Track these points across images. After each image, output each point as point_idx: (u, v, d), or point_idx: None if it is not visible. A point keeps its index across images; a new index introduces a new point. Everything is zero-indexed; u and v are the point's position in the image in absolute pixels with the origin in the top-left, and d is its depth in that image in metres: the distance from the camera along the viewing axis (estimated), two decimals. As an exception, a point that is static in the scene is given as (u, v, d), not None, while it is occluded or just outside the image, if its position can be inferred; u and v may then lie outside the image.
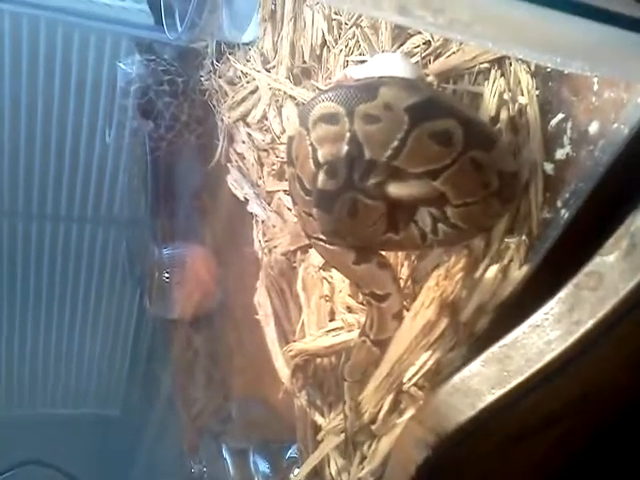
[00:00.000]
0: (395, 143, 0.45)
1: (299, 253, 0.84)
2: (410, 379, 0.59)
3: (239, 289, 1.05)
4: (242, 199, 1.02)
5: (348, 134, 0.46)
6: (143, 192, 1.39)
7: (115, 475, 1.86)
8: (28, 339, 1.92)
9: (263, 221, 0.96)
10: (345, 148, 0.47)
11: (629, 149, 0.43)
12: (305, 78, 0.89)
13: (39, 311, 1.90)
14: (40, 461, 1.63)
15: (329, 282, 0.75)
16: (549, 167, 0.49)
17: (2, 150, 1.67)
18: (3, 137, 1.65)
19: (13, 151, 1.68)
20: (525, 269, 0.50)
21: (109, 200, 1.80)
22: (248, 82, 1.06)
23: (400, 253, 0.62)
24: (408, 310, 0.59)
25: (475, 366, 0.42)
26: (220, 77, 1.16)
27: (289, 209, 0.89)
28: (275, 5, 0.98)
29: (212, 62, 1.20)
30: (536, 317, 0.40)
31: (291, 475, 0.78)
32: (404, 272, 0.62)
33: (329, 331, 0.72)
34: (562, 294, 0.39)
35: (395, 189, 0.49)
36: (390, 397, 0.61)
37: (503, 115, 0.54)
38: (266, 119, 0.98)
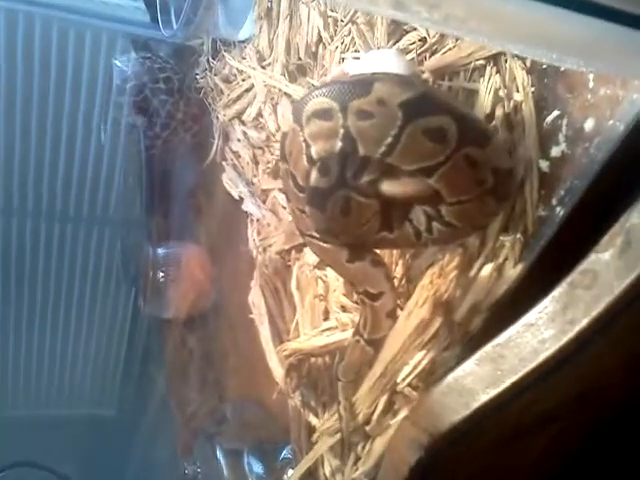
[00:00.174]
0: (389, 139, 0.44)
1: (294, 252, 0.84)
2: (404, 379, 0.58)
3: (234, 288, 1.04)
4: (237, 198, 1.02)
5: (342, 130, 0.45)
6: (138, 190, 1.38)
7: (109, 476, 1.85)
8: (22, 339, 1.91)
9: (258, 220, 0.95)
10: (339, 144, 0.46)
11: (625, 146, 0.42)
12: (301, 75, 0.89)
13: (33, 311, 1.89)
14: (33, 462, 1.62)
15: (323, 281, 0.74)
16: (544, 164, 0.49)
17: (-4, 148, 1.66)
18: (-3, 134, 1.65)
19: (8, 149, 1.67)
20: (520, 267, 0.49)
21: (104, 199, 1.79)
22: (244, 80, 1.05)
23: (394, 251, 0.62)
24: (402, 309, 0.59)
25: (469, 365, 0.42)
26: (216, 75, 1.16)
27: (284, 207, 0.88)
28: (271, 2, 0.97)
29: (208, 60, 1.20)
30: (530, 316, 0.40)
31: (285, 476, 0.77)
32: (398, 271, 0.61)
33: (323, 330, 0.71)
34: (556, 293, 0.39)
35: (389, 187, 0.48)
36: (384, 397, 0.60)
37: (498, 112, 0.53)
38: (261, 117, 0.98)
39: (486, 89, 0.55)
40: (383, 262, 0.55)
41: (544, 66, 0.50)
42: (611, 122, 0.43)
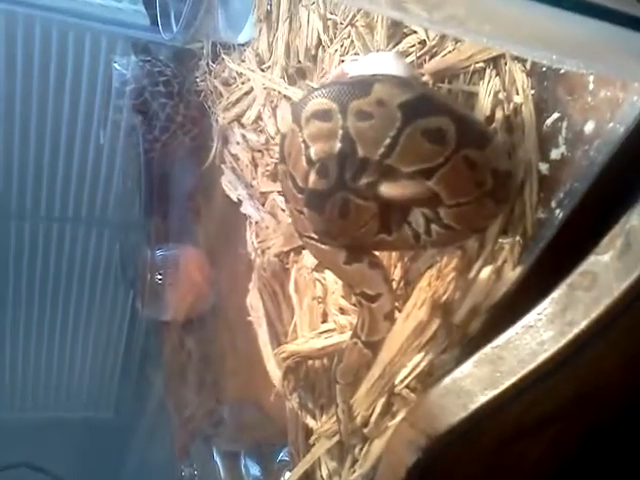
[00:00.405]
0: (388, 140, 0.44)
1: (292, 254, 0.83)
2: (402, 381, 0.58)
3: (232, 290, 1.04)
4: (236, 200, 1.02)
5: (341, 131, 0.45)
6: (137, 193, 1.38)
7: (106, 478, 1.85)
8: (20, 341, 1.91)
9: (257, 222, 0.95)
10: (338, 145, 0.46)
11: (625, 148, 0.42)
12: (300, 78, 0.89)
13: (31, 312, 1.88)
14: (30, 464, 1.62)
15: (322, 284, 0.74)
16: (544, 167, 0.49)
17: (-4, 150, 1.66)
18: (-3, 137, 1.64)
19: (7, 151, 1.67)
20: (519, 270, 0.49)
21: (103, 201, 1.79)
22: (243, 83, 1.05)
23: (393, 254, 0.62)
24: (400, 311, 0.58)
25: (467, 367, 0.42)
26: (215, 78, 1.16)
27: (283, 210, 0.88)
28: (271, 5, 0.97)
29: (207, 63, 1.20)
30: (529, 318, 0.40)
31: (282, 478, 0.77)
32: (397, 273, 0.61)
33: (321, 333, 0.71)
34: (556, 294, 0.39)
35: (387, 189, 0.48)
36: (382, 400, 0.60)
37: (498, 114, 0.53)
38: (261, 120, 0.98)
39: (486, 91, 0.55)
40: (381, 264, 0.54)
41: (544, 68, 0.50)
42: (611, 124, 0.43)
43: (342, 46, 0.77)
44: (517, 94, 0.52)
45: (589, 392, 0.43)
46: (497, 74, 0.54)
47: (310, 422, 0.72)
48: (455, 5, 0.40)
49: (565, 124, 0.47)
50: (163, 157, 1.32)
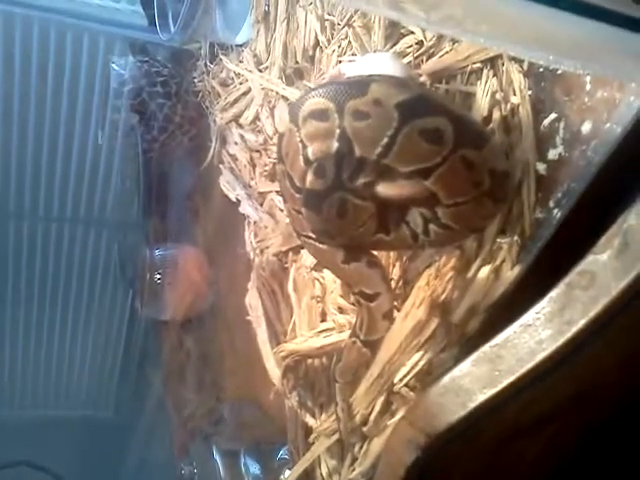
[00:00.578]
0: (385, 140, 0.44)
1: (291, 254, 0.84)
2: (401, 380, 0.58)
3: (231, 290, 1.04)
4: (234, 200, 1.02)
5: (338, 130, 0.46)
6: (135, 193, 1.38)
7: (105, 477, 1.85)
8: (19, 340, 1.91)
9: (255, 222, 0.95)
10: (335, 145, 0.46)
11: (622, 149, 0.42)
12: (298, 79, 0.89)
13: (31, 312, 1.88)
14: (30, 462, 1.62)
15: (321, 283, 0.74)
16: (541, 167, 0.49)
17: (-5, 150, 1.66)
18: (-5, 137, 1.64)
19: (5, 151, 1.66)
20: (517, 269, 0.49)
21: (101, 201, 1.79)
22: (241, 83, 1.05)
23: (391, 253, 0.62)
24: (399, 310, 0.59)
25: (466, 366, 0.42)
26: (213, 78, 1.16)
27: (281, 210, 0.88)
28: (268, 6, 0.97)
29: (205, 63, 1.20)
30: (528, 316, 0.40)
31: (282, 477, 0.77)
32: (395, 272, 0.61)
33: (320, 332, 0.71)
34: (554, 293, 0.39)
35: (385, 189, 0.48)
36: (381, 398, 0.60)
37: (495, 115, 0.53)
38: (259, 120, 0.98)
39: (483, 92, 0.55)
40: (379, 263, 0.55)
41: (541, 69, 0.50)
42: (608, 125, 0.43)
43: (339, 47, 0.77)
44: (514, 94, 0.52)
45: (587, 391, 0.43)
46: (494, 74, 0.55)
47: (309, 421, 0.72)
48: (452, 5, 0.40)
49: (562, 124, 0.47)
50: (161, 157, 1.32)
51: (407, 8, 0.41)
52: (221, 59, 1.13)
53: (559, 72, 0.48)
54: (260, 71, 0.98)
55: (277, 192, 0.90)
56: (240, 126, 1.04)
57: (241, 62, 1.05)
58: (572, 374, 0.40)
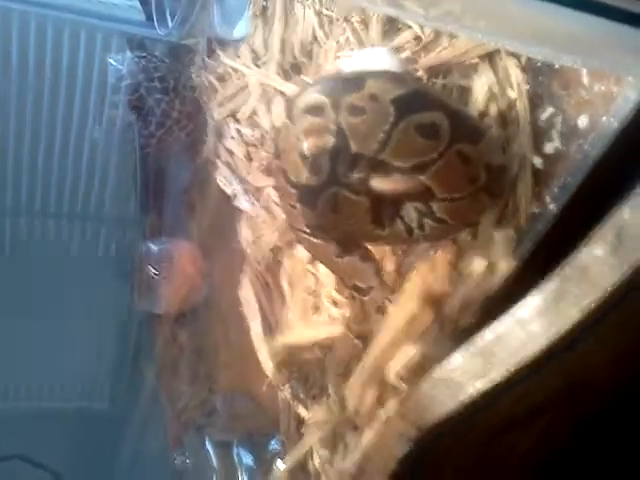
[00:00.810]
0: (381, 135, 0.44)
1: (286, 248, 0.83)
2: (394, 372, 0.58)
3: (225, 284, 1.04)
4: (230, 195, 1.02)
5: (333, 126, 0.46)
6: (132, 188, 1.38)
7: (100, 468, 1.84)
8: (15, 332, 1.90)
9: (251, 217, 0.95)
10: (331, 140, 0.46)
11: (619, 143, 0.42)
12: (295, 74, 0.89)
13: (27, 305, 1.87)
14: (24, 455, 1.61)
15: (315, 276, 0.74)
16: (538, 161, 0.49)
17: (-9, 146, 1.65)
18: (-8, 133, 1.64)
19: (1, 146, 1.66)
20: (512, 263, 0.49)
21: (99, 196, 1.78)
22: (238, 78, 1.05)
23: (386, 247, 0.62)
24: (393, 304, 0.58)
25: (457, 358, 0.42)
26: (210, 73, 1.16)
27: (277, 205, 0.88)
28: (266, 1, 0.97)
29: (203, 58, 1.20)
30: (520, 309, 0.40)
31: (274, 467, 0.77)
32: (389, 266, 0.61)
33: (314, 325, 0.71)
34: (546, 286, 0.39)
35: (379, 183, 0.48)
36: (374, 390, 0.60)
37: (492, 109, 0.53)
38: (256, 115, 0.98)
39: (480, 86, 0.55)
40: (373, 257, 0.55)
41: (539, 64, 0.50)
42: (605, 119, 0.43)
43: (337, 42, 0.77)
44: (512, 89, 0.52)
45: (579, 384, 0.43)
46: (492, 69, 0.55)
47: (302, 412, 0.72)
48: (451, 1, 0.40)
49: (559, 118, 0.47)
50: (158, 153, 1.32)
51: (406, 5, 0.41)
52: (219, 54, 1.13)
53: (556, 67, 0.48)
54: (257, 66, 0.98)
55: (273, 187, 0.89)
56: (237, 121, 1.04)
57: (238, 57, 1.05)
58: (563, 368, 0.40)
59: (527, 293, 0.41)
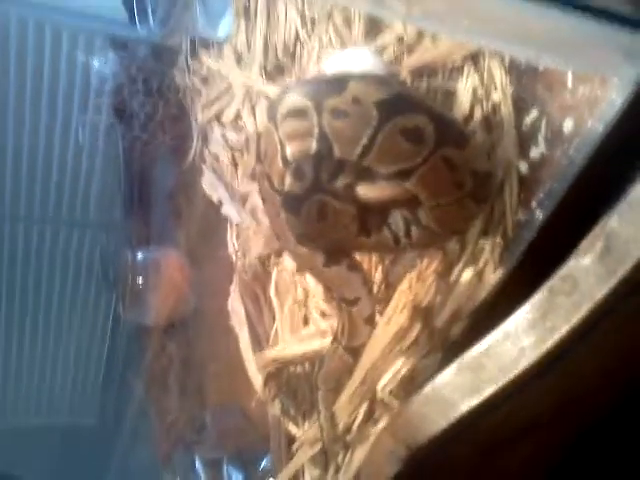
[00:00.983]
0: (364, 140, 0.43)
1: (273, 256, 0.82)
2: (384, 387, 0.57)
3: (213, 293, 1.03)
4: (216, 201, 1.00)
5: (317, 130, 0.44)
6: (117, 193, 1.36)
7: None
8: (0, 346, 1.88)
9: (237, 224, 0.93)
10: (314, 145, 0.45)
11: (604, 147, 0.41)
12: (279, 75, 0.87)
13: (11, 316, 1.85)
14: (10, 473, 1.59)
15: (303, 287, 0.73)
16: (524, 166, 0.48)
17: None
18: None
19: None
20: (500, 272, 0.48)
21: (83, 201, 1.76)
22: (222, 80, 1.03)
23: (373, 256, 0.61)
24: (381, 315, 0.57)
25: (448, 375, 0.41)
26: (194, 75, 1.14)
27: (263, 211, 0.87)
28: (248, 1, 0.95)
29: (186, 59, 1.18)
30: (509, 323, 0.39)
31: (265, 485, 0.76)
32: (377, 276, 0.60)
33: (302, 337, 0.70)
34: (536, 299, 0.38)
35: (365, 191, 0.47)
36: (364, 406, 0.59)
37: (477, 113, 0.52)
38: (240, 118, 0.96)
39: (465, 89, 0.53)
40: (360, 267, 0.53)
41: (522, 66, 0.49)
42: (590, 123, 0.42)
43: (320, 42, 0.75)
44: (496, 91, 0.51)
45: (571, 399, 0.42)
46: (476, 71, 0.53)
47: (292, 429, 0.71)
48: (434, 0, 0.39)
49: (544, 122, 0.46)
50: (143, 156, 1.30)
51: (388, 2, 0.40)
52: (202, 55, 1.11)
53: (541, 69, 0.47)
54: (240, 67, 0.96)
55: (258, 192, 0.88)
56: (222, 124, 1.02)
57: (221, 58, 1.03)
58: (555, 381, 0.38)
59: (516, 302, 0.40)
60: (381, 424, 0.56)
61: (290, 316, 0.74)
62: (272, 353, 0.72)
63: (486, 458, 0.44)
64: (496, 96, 0.50)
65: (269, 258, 0.83)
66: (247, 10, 0.96)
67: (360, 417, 0.59)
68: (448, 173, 0.45)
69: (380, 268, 0.60)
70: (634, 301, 0.36)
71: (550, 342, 0.37)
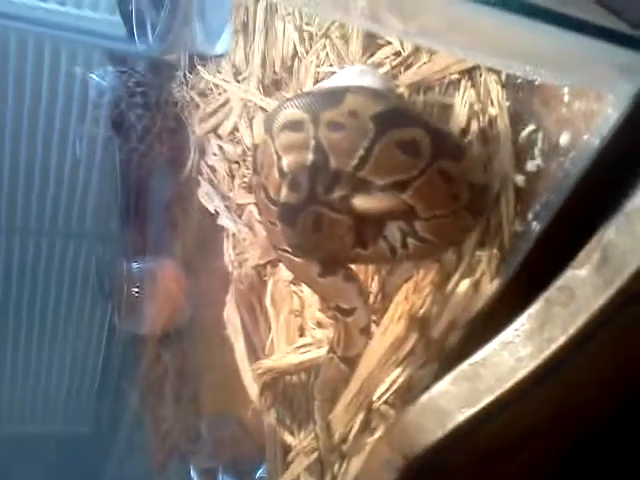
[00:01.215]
0: (361, 152, 0.43)
1: (269, 267, 0.82)
2: (380, 397, 0.57)
3: (209, 304, 1.02)
4: (213, 212, 1.00)
5: (313, 142, 0.45)
6: (114, 205, 1.36)
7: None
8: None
9: (234, 234, 0.94)
10: (310, 157, 0.45)
11: (600, 161, 0.42)
12: (276, 90, 0.88)
13: (7, 326, 1.84)
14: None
15: (299, 297, 0.73)
16: (520, 179, 0.48)
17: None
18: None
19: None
20: (497, 283, 0.49)
21: (80, 213, 1.76)
22: (220, 94, 1.04)
23: (369, 267, 0.61)
24: (378, 325, 0.57)
25: (444, 384, 0.41)
26: (192, 89, 1.15)
27: (260, 222, 0.87)
28: (247, 17, 0.97)
29: (184, 74, 1.19)
30: (507, 333, 0.39)
31: (260, 496, 0.75)
32: (374, 286, 0.60)
33: (298, 347, 0.70)
34: (533, 310, 0.38)
35: (361, 202, 0.47)
36: (361, 416, 0.59)
37: (473, 126, 0.53)
38: (237, 131, 0.97)
39: (461, 103, 0.54)
40: (356, 277, 0.53)
41: (519, 80, 0.50)
42: (586, 137, 0.42)
43: (318, 57, 0.76)
44: (492, 105, 0.51)
45: (568, 409, 0.42)
46: (472, 85, 0.54)
47: (288, 438, 0.71)
48: (430, 16, 0.40)
49: (540, 135, 0.47)
50: (140, 169, 1.30)
51: (385, 19, 0.41)
52: (200, 70, 1.12)
53: (537, 83, 0.48)
54: (238, 82, 0.97)
55: (255, 204, 0.88)
56: (219, 137, 1.03)
57: (220, 73, 1.04)
58: (553, 392, 0.39)
59: (513, 313, 0.41)
60: (377, 434, 0.56)
61: (286, 326, 0.74)
62: (268, 363, 0.72)
63: (483, 467, 0.44)
64: (492, 110, 0.51)
65: (265, 268, 0.83)
66: (246, 26, 0.97)
67: (356, 427, 0.59)
68: (444, 185, 0.45)
69: (376, 278, 0.60)
70: (631, 311, 0.36)
71: (547, 352, 0.37)
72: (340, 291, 0.52)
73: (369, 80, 0.60)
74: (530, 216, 0.47)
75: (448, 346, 0.52)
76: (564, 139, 0.44)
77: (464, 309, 0.50)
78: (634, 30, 0.40)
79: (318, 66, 0.76)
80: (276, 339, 0.75)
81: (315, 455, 0.64)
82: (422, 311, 0.54)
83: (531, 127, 0.48)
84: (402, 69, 0.62)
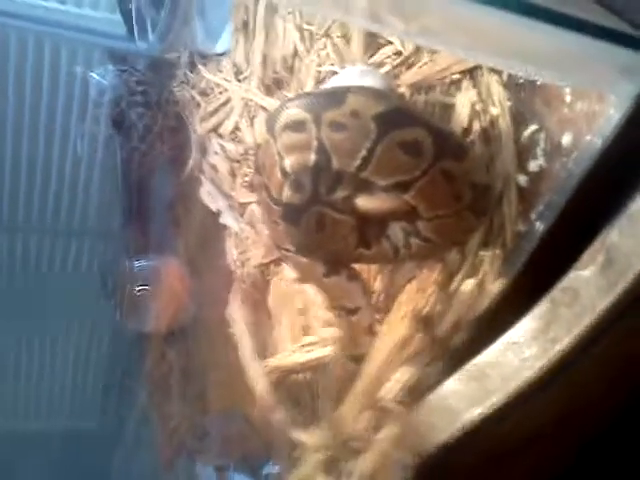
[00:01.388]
0: (363, 152, 0.44)
1: (272, 266, 0.83)
2: (387, 394, 0.57)
3: (213, 302, 1.03)
4: (215, 211, 1.01)
5: (315, 142, 0.45)
6: (116, 204, 1.36)
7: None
8: (0, 352, 1.87)
9: (236, 233, 0.94)
10: (312, 157, 0.45)
11: (602, 161, 0.42)
12: (277, 89, 0.88)
13: (12, 323, 1.85)
14: (11, 476, 1.58)
15: (303, 296, 0.73)
16: (523, 179, 0.48)
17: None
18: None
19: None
20: (500, 283, 0.49)
21: (82, 212, 1.77)
22: (221, 93, 1.04)
23: (373, 266, 0.61)
24: (382, 324, 0.58)
25: (452, 384, 0.41)
26: (193, 88, 1.15)
27: (262, 221, 0.87)
28: (247, 16, 0.96)
29: (185, 73, 1.19)
30: (512, 334, 0.39)
31: (270, 493, 0.75)
32: (377, 286, 0.60)
33: (303, 346, 0.70)
34: (538, 311, 0.38)
35: (364, 202, 0.47)
36: (368, 413, 0.59)
37: (475, 126, 0.53)
38: (239, 130, 0.97)
39: (463, 103, 0.54)
40: (360, 277, 0.54)
41: (521, 80, 0.50)
42: (588, 137, 0.43)
43: (318, 57, 0.76)
44: (494, 106, 0.51)
45: (574, 409, 0.42)
46: (474, 85, 0.54)
47: (296, 436, 0.70)
48: (431, 17, 0.40)
49: (543, 136, 0.47)
50: (141, 167, 1.30)
51: (386, 19, 0.41)
52: (200, 69, 1.12)
53: (539, 83, 0.48)
54: (239, 81, 0.97)
55: (257, 203, 0.88)
56: (220, 136, 1.03)
57: (220, 72, 1.04)
58: (558, 391, 0.39)
59: (516, 311, 0.41)
60: (385, 432, 0.56)
61: (290, 325, 0.74)
62: (273, 361, 0.72)
63: (491, 466, 0.44)
64: (494, 110, 0.51)
65: (268, 267, 0.83)
66: (246, 25, 0.97)
67: (364, 424, 0.59)
68: (447, 185, 0.45)
69: (380, 278, 0.60)
70: (635, 313, 0.36)
71: (552, 353, 0.37)
72: (344, 290, 0.53)
73: (370, 80, 0.60)
74: (533, 216, 0.47)
75: (453, 345, 0.52)
76: (566, 139, 0.44)
77: (468, 308, 0.51)
78: (635, 30, 0.40)
79: (319, 65, 0.76)
80: (281, 337, 0.76)
81: (324, 452, 0.64)
82: (426, 310, 0.54)
83: (533, 127, 0.48)
84: (403, 69, 0.62)
